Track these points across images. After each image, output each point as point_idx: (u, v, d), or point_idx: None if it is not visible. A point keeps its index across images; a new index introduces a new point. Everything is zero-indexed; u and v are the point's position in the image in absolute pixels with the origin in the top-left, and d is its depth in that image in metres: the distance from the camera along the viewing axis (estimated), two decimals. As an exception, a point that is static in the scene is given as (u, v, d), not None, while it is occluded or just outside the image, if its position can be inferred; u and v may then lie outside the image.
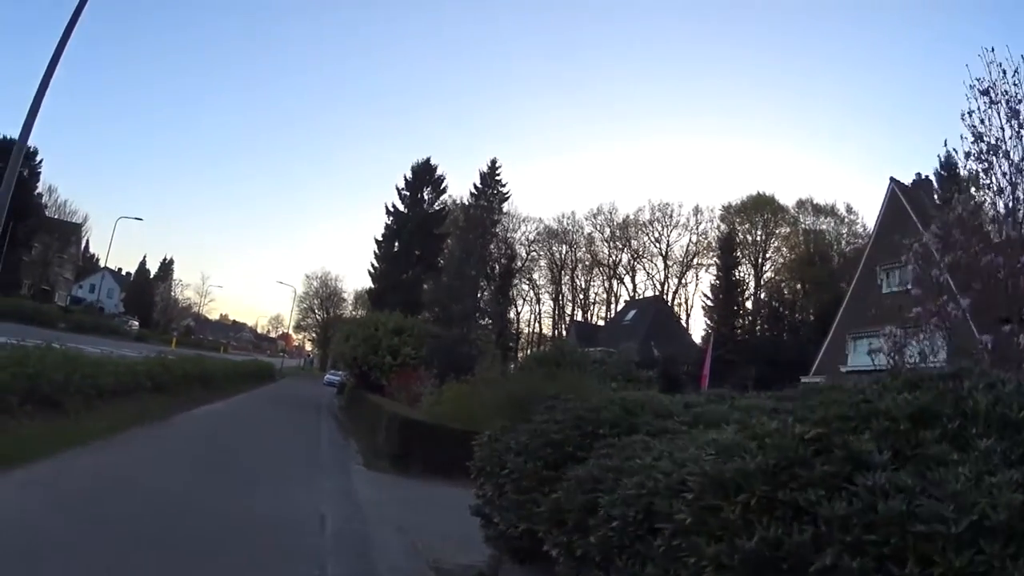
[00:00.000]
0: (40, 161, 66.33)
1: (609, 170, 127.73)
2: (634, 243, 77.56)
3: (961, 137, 9.21)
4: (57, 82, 11.84)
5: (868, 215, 62.86)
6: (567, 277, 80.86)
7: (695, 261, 74.30)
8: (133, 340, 51.14)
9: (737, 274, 61.25)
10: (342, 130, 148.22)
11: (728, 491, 2.64)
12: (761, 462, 2.64)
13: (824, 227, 67.30)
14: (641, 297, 72.43)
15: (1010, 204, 8.89)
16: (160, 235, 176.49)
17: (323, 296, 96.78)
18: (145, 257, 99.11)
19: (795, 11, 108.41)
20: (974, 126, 9.19)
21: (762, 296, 64.63)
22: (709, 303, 58.91)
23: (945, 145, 9.61)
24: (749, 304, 62.44)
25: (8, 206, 11.48)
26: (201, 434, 14.51)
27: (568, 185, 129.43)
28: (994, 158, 9.06)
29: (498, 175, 40.37)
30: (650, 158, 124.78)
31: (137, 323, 71.13)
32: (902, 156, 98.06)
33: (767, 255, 67.82)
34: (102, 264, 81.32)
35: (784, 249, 68.00)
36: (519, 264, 74.78)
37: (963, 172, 9.58)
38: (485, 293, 36.81)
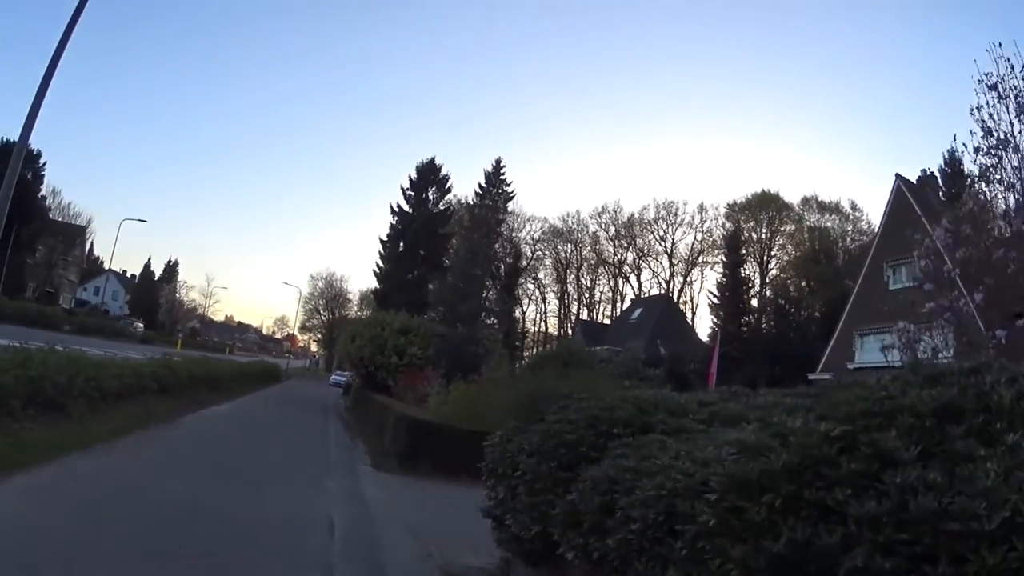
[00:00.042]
0: (44, 164, 66.81)
1: (614, 169, 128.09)
2: (639, 241, 77.66)
3: (971, 132, 9.17)
4: (62, 85, 11.87)
5: (873, 212, 63.07)
6: (572, 276, 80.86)
7: (700, 259, 74.34)
8: (138, 342, 51.25)
9: (743, 272, 61.18)
10: (346, 130, 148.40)
11: (752, 491, 2.58)
12: (787, 461, 2.57)
13: (829, 224, 67.32)
14: (647, 295, 72.43)
15: (1020, 199, 8.83)
16: (165, 237, 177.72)
17: (328, 297, 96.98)
18: (150, 259, 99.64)
19: (798, 9, 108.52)
20: (983, 120, 9.14)
21: (768, 294, 64.48)
22: (715, 301, 58.90)
23: (954, 140, 9.58)
24: (755, 302, 62.43)
25: (8, 208, 11.41)
26: (207, 436, 14.46)
27: (573, 184, 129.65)
28: (1003, 153, 9.00)
29: (503, 174, 40.32)
30: (654, 157, 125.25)
31: (142, 325, 71.29)
32: (906, 152, 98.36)
33: (772, 252, 67.76)
34: (106, 266, 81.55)
35: (789, 246, 67.98)
36: (524, 263, 74.69)
37: (972, 167, 9.54)
38: (491, 292, 36.70)
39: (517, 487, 5.08)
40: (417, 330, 31.99)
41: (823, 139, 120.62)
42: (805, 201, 68.06)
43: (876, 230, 41.81)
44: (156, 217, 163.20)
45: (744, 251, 63.08)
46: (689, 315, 71.80)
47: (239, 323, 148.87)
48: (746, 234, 66.19)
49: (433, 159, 50.23)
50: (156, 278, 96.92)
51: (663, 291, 73.11)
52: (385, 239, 49.79)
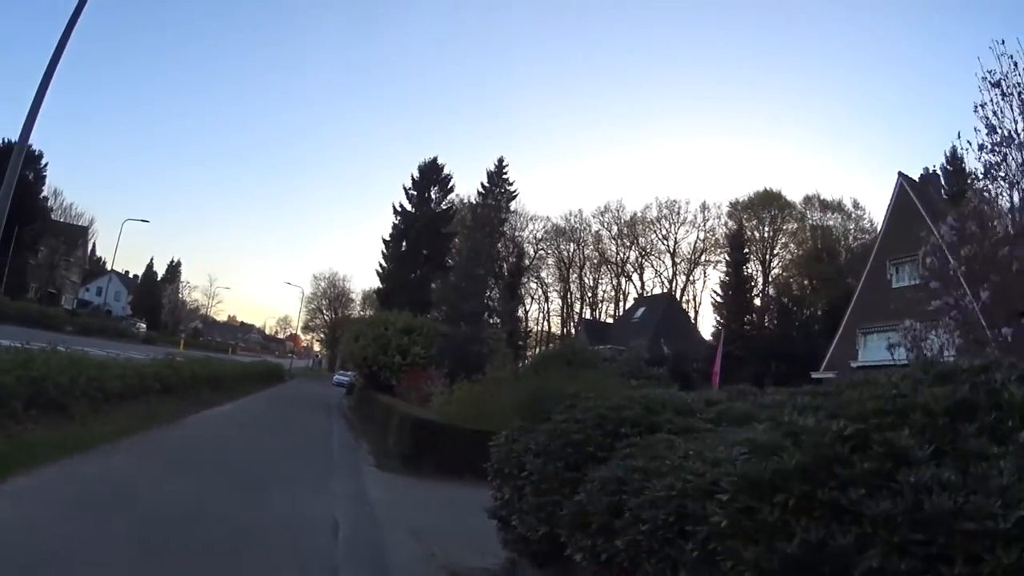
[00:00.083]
0: (45, 165, 66.77)
1: (616, 168, 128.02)
2: (642, 240, 77.74)
3: (975, 129, 9.15)
4: (64, 86, 11.90)
5: (875, 210, 62.98)
6: (575, 275, 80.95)
7: (703, 258, 74.46)
8: (141, 343, 51.19)
9: (745, 270, 61.07)
10: (349, 130, 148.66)
11: (765, 491, 2.54)
12: (800, 460, 2.54)
13: (831, 223, 67.22)
14: (650, 295, 72.38)
15: (1024, 195, 8.82)
16: (167, 237, 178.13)
17: (331, 296, 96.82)
18: (152, 259, 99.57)
19: (799, 8, 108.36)
20: (987, 117, 9.12)
21: (770, 292, 64.36)
22: (718, 300, 58.76)
23: (958, 137, 9.54)
24: (758, 301, 62.23)
25: (8, 208, 11.38)
26: (210, 437, 14.43)
27: (575, 183, 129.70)
28: (1008, 150, 8.98)
29: (505, 174, 40.21)
30: (657, 156, 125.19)
31: (144, 325, 71.20)
32: (908, 151, 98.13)
33: (775, 251, 67.78)
34: (109, 267, 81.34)
35: (792, 245, 67.92)
36: (527, 263, 74.66)
37: (976, 164, 9.52)
38: (494, 292, 36.60)
39: (523, 487, 5.06)
40: (420, 329, 31.96)
41: (825, 138, 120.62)
42: (807, 200, 68.21)
43: (878, 228, 41.78)
44: (159, 217, 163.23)
45: (747, 250, 62.94)
46: (692, 314, 72.01)
47: (242, 323, 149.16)
48: (749, 233, 66.04)
49: (435, 159, 50.24)
50: (159, 278, 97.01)
51: (666, 290, 73.22)
52: (388, 239, 49.76)
